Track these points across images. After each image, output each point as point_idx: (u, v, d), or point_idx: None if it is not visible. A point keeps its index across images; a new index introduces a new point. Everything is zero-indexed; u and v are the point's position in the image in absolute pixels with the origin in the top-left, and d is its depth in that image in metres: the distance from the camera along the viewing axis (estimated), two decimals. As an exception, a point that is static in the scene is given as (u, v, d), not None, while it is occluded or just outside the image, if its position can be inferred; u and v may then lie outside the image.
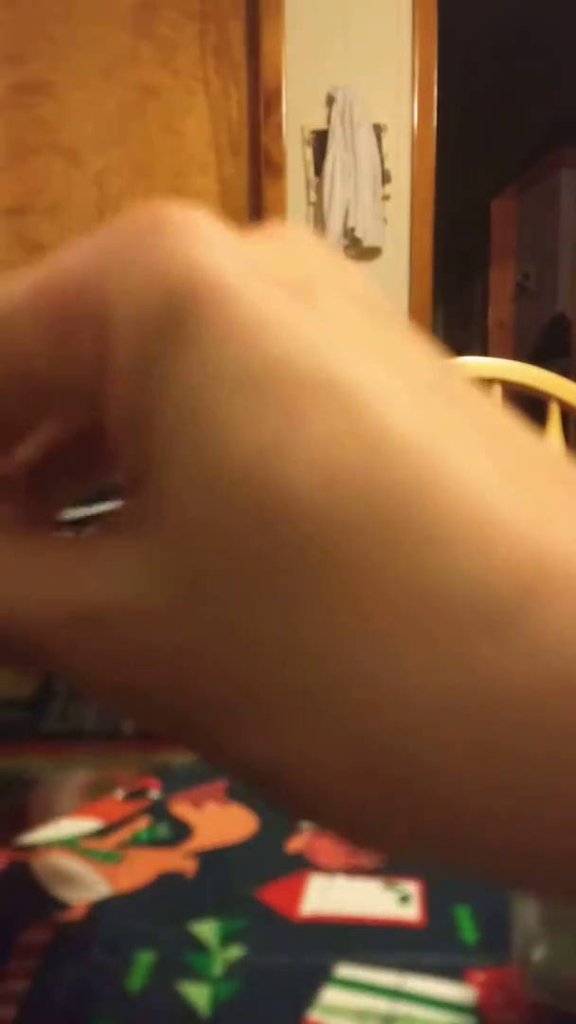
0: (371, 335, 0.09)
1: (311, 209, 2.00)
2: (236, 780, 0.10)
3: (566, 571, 0.08)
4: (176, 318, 0.08)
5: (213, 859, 0.25)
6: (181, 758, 0.16)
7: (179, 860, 0.25)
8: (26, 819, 0.22)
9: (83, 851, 0.26)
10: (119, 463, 0.09)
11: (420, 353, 0.09)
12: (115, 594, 0.09)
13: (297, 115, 1.97)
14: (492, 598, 0.08)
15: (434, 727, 0.08)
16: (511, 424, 0.09)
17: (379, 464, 0.08)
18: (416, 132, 1.99)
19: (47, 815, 0.24)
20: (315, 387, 0.08)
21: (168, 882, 0.24)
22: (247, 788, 0.10)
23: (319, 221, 1.97)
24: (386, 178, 1.98)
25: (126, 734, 0.14)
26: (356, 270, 0.10)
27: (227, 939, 0.21)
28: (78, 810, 0.28)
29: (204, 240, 0.08)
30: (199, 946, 0.21)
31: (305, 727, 0.08)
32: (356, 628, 0.08)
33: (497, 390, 0.94)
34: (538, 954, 0.19)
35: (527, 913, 0.19)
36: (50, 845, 0.26)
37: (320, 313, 0.09)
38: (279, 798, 0.09)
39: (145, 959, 0.21)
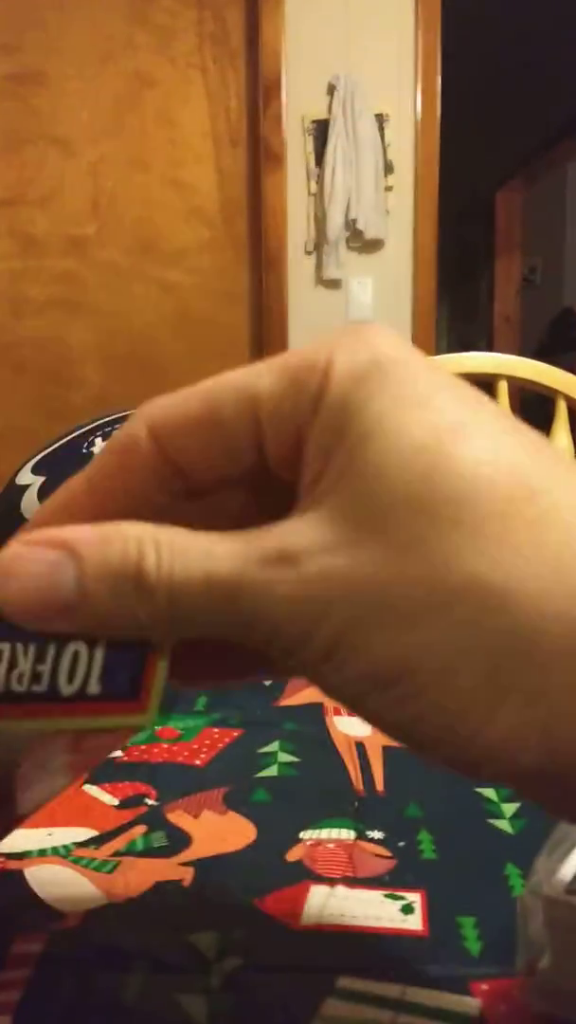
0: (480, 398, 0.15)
1: (312, 200, 1.98)
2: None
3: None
4: (376, 371, 0.14)
5: (210, 868, 0.25)
6: (118, 721, 0.15)
7: (175, 869, 0.25)
8: (12, 793, 0.21)
9: (76, 860, 0.25)
10: (303, 468, 0.14)
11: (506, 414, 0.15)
12: (303, 539, 0.14)
13: (297, 104, 1.95)
14: None
15: None
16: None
17: (518, 448, 0.14)
18: (419, 122, 1.97)
19: (38, 790, 0.23)
20: (472, 402, 0.14)
21: (164, 891, 0.24)
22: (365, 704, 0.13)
23: (320, 212, 1.96)
24: (389, 169, 1.97)
25: (64, 695, 0.14)
26: None
27: (225, 950, 0.21)
28: (71, 784, 0.27)
29: (392, 335, 0.15)
30: (196, 957, 0.21)
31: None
32: (507, 556, 0.13)
33: (503, 387, 0.93)
34: (542, 964, 0.18)
35: (531, 923, 0.19)
36: (43, 854, 0.26)
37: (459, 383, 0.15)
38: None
39: (140, 970, 0.20)
